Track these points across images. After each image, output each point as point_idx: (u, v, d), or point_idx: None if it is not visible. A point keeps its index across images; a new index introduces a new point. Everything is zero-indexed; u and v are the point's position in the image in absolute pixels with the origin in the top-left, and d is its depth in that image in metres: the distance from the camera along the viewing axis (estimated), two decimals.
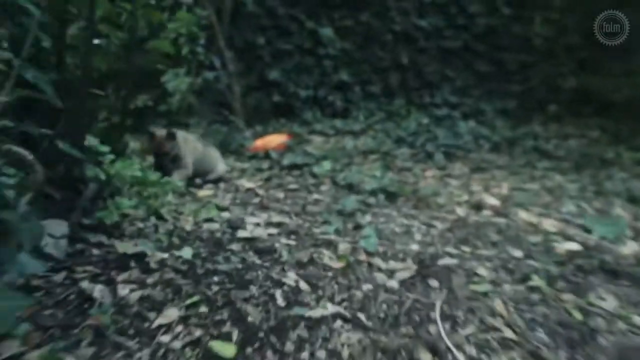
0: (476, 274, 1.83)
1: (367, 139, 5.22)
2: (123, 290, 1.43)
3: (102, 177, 1.83)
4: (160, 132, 3.18)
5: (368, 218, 2.60)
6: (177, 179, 3.06)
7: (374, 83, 6.60)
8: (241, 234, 2.18)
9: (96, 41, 2.45)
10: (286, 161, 3.97)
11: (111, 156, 1.94)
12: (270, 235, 2.22)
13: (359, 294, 1.61)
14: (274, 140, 4.44)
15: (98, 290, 1.39)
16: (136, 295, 1.42)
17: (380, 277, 1.75)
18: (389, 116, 6.08)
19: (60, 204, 1.96)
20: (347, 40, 6.42)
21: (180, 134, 3.22)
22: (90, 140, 1.88)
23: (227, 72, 5.36)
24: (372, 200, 2.97)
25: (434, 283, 1.74)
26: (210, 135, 4.66)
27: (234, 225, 2.30)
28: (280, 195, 3.17)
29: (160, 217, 2.33)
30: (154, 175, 2.57)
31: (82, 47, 2.27)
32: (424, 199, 3.10)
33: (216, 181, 3.52)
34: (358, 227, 2.41)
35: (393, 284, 1.70)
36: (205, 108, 5.14)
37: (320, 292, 1.61)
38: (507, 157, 4.86)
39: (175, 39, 4.60)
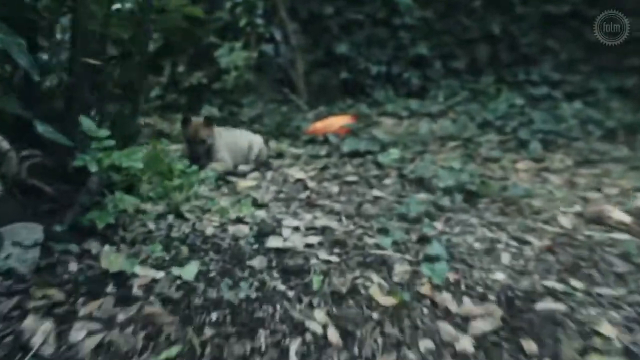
0: (597, 333, 1.24)
1: (446, 123, 4.55)
2: (77, 333, 1.06)
3: (93, 168, 1.48)
4: (197, 118, 2.88)
5: (438, 226, 2.06)
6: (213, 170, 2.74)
7: (457, 57, 5.82)
8: (272, 242, 1.76)
9: (116, 5, 2.12)
10: (347, 147, 3.48)
11: (111, 142, 1.58)
12: (307, 245, 1.77)
13: (412, 359, 1.10)
14: (336, 122, 3.96)
15: (42, 333, 1.02)
16: (92, 341, 1.04)
17: (446, 329, 1.23)
18: (474, 96, 5.31)
19: (54, 200, 1.65)
20: (428, 8, 5.70)
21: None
22: (86, 123, 1.53)
23: (289, 45, 4.94)
24: (445, 201, 2.40)
25: (529, 345, 1.18)
26: (266, 116, 4.29)
27: (266, 230, 1.89)
28: (334, 189, 2.70)
29: (180, 216, 1.98)
30: (179, 164, 2.23)
31: (100, 12, 1.95)
32: (515, 202, 2.46)
33: (264, 166, 3.15)
34: (424, 239, 1.88)
35: (466, 343, 1.17)
36: (264, 85, 4.79)
37: (355, 350, 1.13)
38: (625, 147, 3.96)
39: (232, 8, 4.25)
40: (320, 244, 1.80)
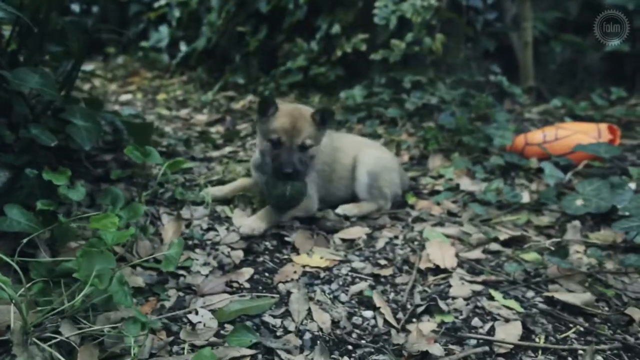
0: None
1: None
2: None
3: None
4: (298, 105, 1.62)
5: None
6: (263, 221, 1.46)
7: None
8: None
9: None
10: (580, 202, 1.68)
11: None
12: None
13: None
14: (573, 136, 2.13)
15: None
16: None
17: None
18: None
19: None
20: None
21: None
22: None
23: None
24: None
25: None
26: (448, 109, 2.67)
27: None
28: None
29: None
30: None
31: None
32: None
33: (391, 210, 1.72)
34: None
35: None
36: (456, 57, 3.14)
37: None
38: None
39: None
40: None
